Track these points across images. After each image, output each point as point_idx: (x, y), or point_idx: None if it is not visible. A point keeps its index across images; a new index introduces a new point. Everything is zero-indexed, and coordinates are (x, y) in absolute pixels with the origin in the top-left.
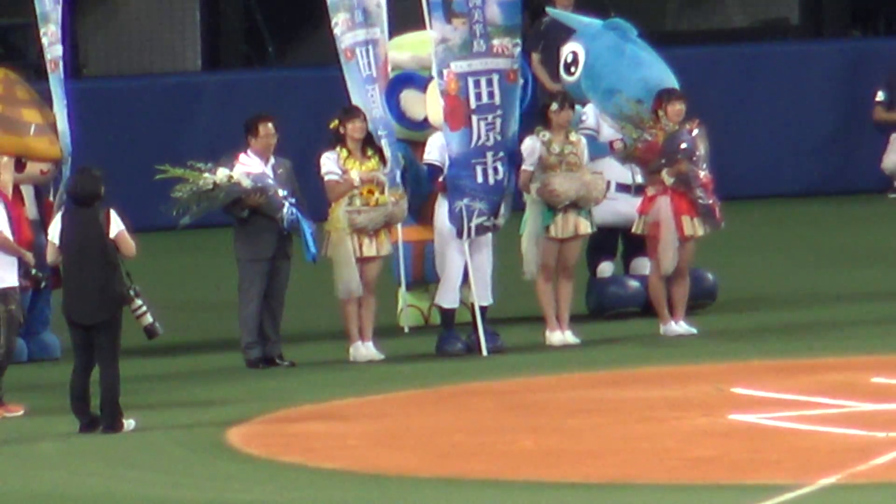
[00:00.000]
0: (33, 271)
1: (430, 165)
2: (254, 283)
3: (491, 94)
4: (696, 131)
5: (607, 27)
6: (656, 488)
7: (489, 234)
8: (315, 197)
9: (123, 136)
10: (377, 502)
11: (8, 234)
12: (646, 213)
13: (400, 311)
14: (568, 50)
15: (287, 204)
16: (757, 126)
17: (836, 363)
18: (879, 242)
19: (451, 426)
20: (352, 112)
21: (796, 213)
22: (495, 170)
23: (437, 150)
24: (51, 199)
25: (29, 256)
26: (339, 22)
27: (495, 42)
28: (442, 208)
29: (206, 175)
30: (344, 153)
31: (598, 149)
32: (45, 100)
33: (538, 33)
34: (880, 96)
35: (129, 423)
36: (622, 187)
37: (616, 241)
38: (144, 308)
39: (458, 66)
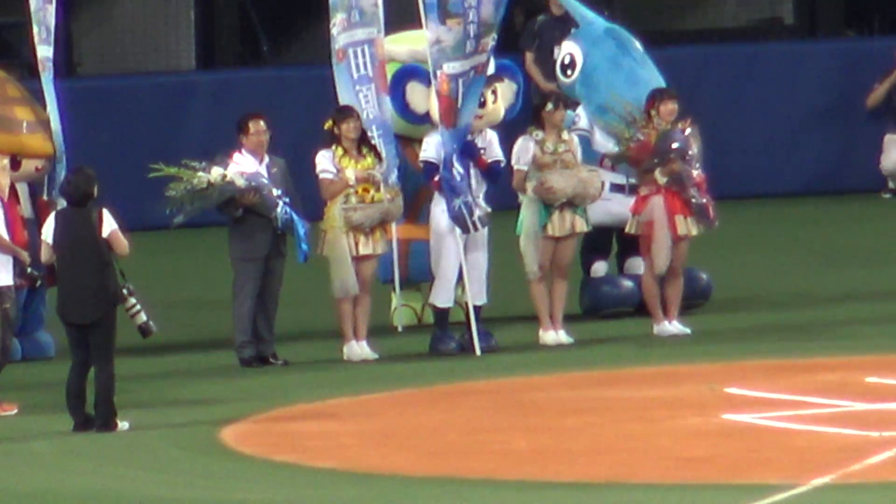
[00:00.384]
0: (28, 270)
1: (427, 163)
2: (248, 283)
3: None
4: (688, 130)
5: (608, 34)
6: (650, 488)
7: (486, 233)
8: (310, 196)
9: (118, 134)
10: (371, 501)
11: (3, 232)
12: (639, 213)
13: (393, 311)
14: (565, 50)
15: (281, 203)
16: (751, 125)
17: (830, 363)
18: (874, 242)
19: (444, 425)
20: (346, 112)
21: (791, 213)
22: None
23: (433, 147)
24: (44, 197)
25: (24, 255)
26: (337, 22)
27: (483, 41)
28: (437, 207)
29: (201, 174)
30: (339, 152)
31: (590, 155)
32: (38, 98)
33: (532, 32)
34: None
35: (123, 425)
36: (616, 187)
37: (610, 240)
38: (138, 307)
39: (451, 66)
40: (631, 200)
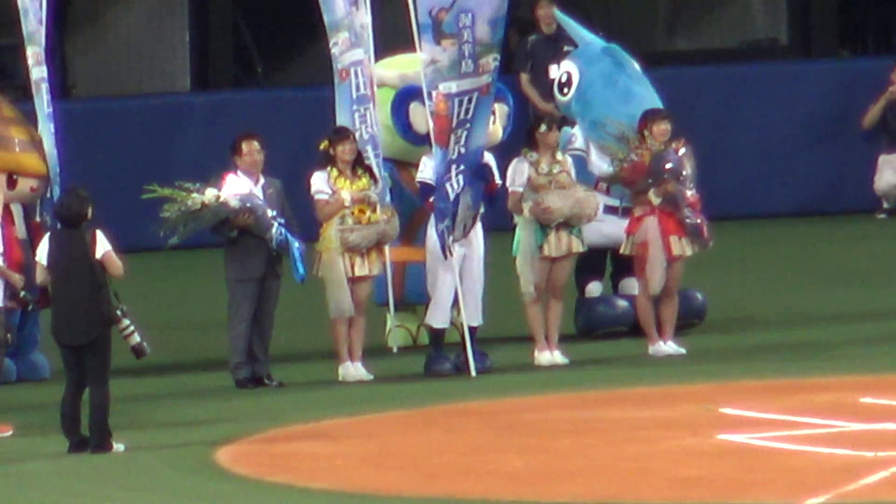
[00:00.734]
0: (22, 293)
1: (424, 184)
2: (243, 304)
3: (467, 111)
4: (682, 151)
5: (605, 53)
6: None
7: (482, 254)
8: (305, 217)
9: (113, 156)
10: None
11: None
12: (633, 234)
13: (388, 332)
14: (563, 69)
15: (276, 224)
16: (746, 146)
17: (824, 383)
18: (869, 263)
19: (439, 446)
20: (342, 133)
21: (785, 233)
22: (458, 183)
23: (430, 168)
24: (37, 219)
25: (16, 278)
26: (339, 41)
27: (482, 61)
28: (434, 228)
29: (195, 195)
30: (334, 173)
31: (586, 177)
32: (31, 120)
33: (525, 53)
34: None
35: (118, 447)
36: (609, 209)
37: (604, 261)
38: (132, 328)
39: (447, 86)
40: (624, 222)
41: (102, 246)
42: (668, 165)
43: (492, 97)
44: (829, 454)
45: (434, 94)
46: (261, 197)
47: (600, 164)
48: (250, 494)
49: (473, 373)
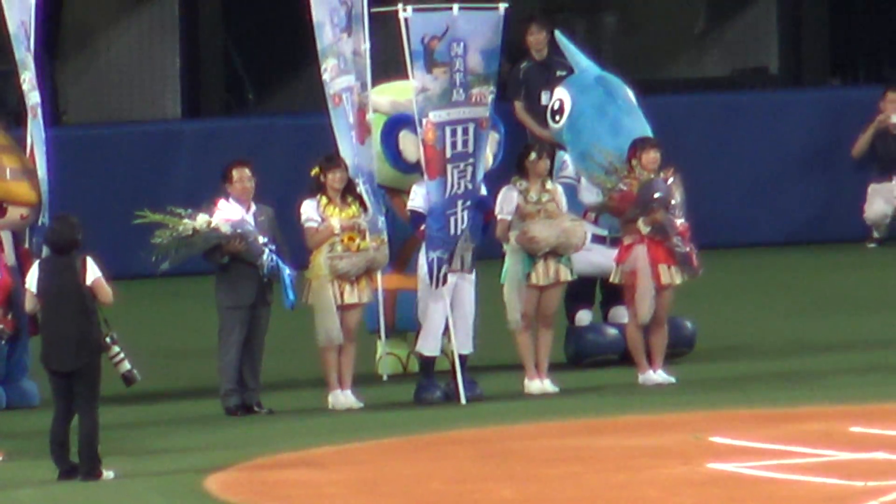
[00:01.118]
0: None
1: (414, 212)
2: (233, 330)
3: (465, 143)
4: (671, 179)
5: (598, 82)
6: None
7: (473, 283)
8: (296, 244)
9: (104, 183)
10: None
11: None
12: (622, 262)
13: (379, 359)
14: (556, 96)
15: (267, 250)
16: (736, 174)
17: (814, 412)
18: (859, 291)
19: (429, 474)
20: (333, 161)
21: (775, 262)
22: (462, 218)
23: (421, 197)
24: (26, 246)
25: None
26: (329, 68)
27: (474, 91)
28: (424, 256)
29: (186, 221)
30: (324, 200)
31: (576, 206)
32: (22, 147)
33: (518, 80)
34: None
35: (108, 475)
36: (597, 239)
37: (594, 289)
38: (122, 355)
39: (437, 115)
40: (613, 252)
41: (93, 273)
42: (657, 194)
43: (489, 132)
44: (819, 483)
45: (424, 122)
46: (252, 223)
47: (589, 194)
48: None
49: (463, 401)
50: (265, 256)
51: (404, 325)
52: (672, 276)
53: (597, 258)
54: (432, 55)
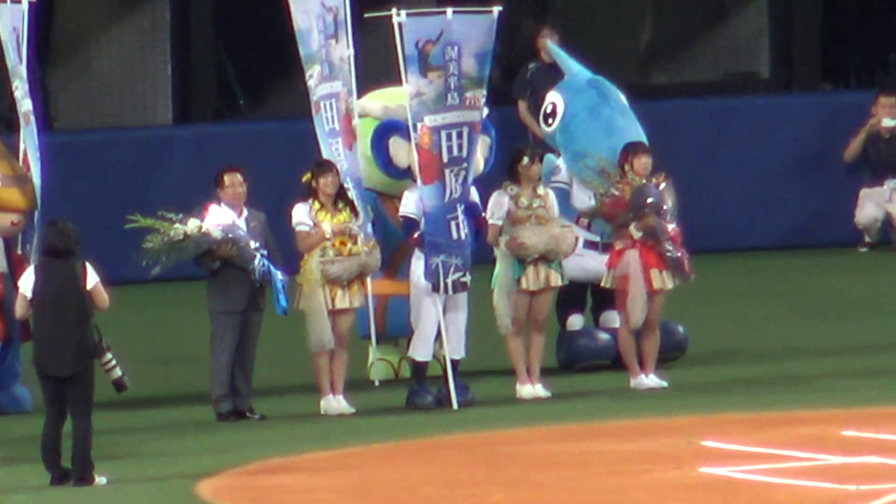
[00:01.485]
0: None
1: (407, 218)
2: (225, 336)
3: (460, 147)
4: (662, 185)
5: (591, 84)
6: None
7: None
8: (289, 249)
9: (95, 189)
10: None
11: None
12: (614, 267)
13: (370, 365)
14: (549, 100)
15: (258, 256)
16: (727, 179)
17: (806, 416)
18: (850, 296)
19: (421, 479)
20: (325, 166)
21: (767, 267)
22: (463, 222)
23: (413, 203)
24: (18, 251)
25: None
26: (314, 74)
27: (468, 94)
28: (418, 261)
29: (177, 225)
30: (316, 205)
31: (569, 212)
32: (13, 153)
33: (524, 81)
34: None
35: (100, 480)
36: (589, 244)
37: (585, 294)
38: (114, 362)
39: (432, 119)
40: (604, 257)
41: (92, 278)
42: (649, 199)
43: (479, 136)
44: (811, 487)
45: (419, 126)
46: (244, 229)
47: (583, 197)
48: None
49: (455, 406)
50: (257, 262)
51: (395, 331)
52: (664, 280)
53: (589, 263)
54: (427, 59)
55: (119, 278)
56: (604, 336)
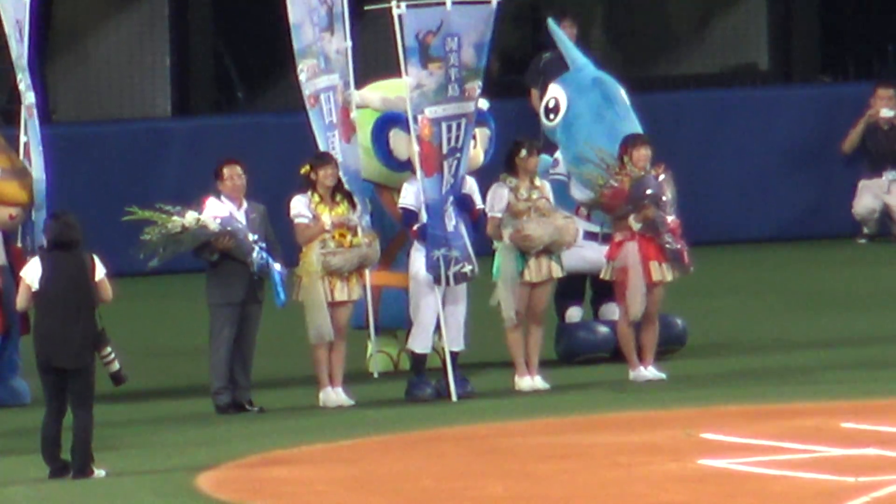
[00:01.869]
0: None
1: (406, 210)
2: (224, 328)
3: (458, 139)
4: (662, 176)
5: (595, 84)
6: None
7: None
8: (288, 242)
9: (94, 181)
10: None
11: None
12: (614, 259)
13: (369, 357)
14: (551, 94)
15: (257, 248)
16: (726, 171)
17: (806, 408)
18: (849, 287)
19: (420, 472)
20: (323, 158)
21: (765, 258)
22: (452, 214)
23: (412, 194)
24: (18, 244)
25: None
26: (306, 68)
27: (468, 85)
28: (417, 253)
29: (175, 218)
30: (315, 198)
31: (567, 203)
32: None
33: (538, 70)
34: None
35: (99, 473)
36: (589, 235)
37: (583, 286)
38: (113, 355)
39: (433, 111)
40: (604, 248)
41: (101, 269)
42: (649, 191)
43: (473, 126)
44: (810, 479)
45: (420, 118)
46: (242, 221)
47: (581, 190)
48: None
49: (454, 398)
50: (255, 254)
51: (388, 322)
52: (663, 272)
53: (590, 254)
54: (427, 51)
55: (118, 270)
56: (603, 328)
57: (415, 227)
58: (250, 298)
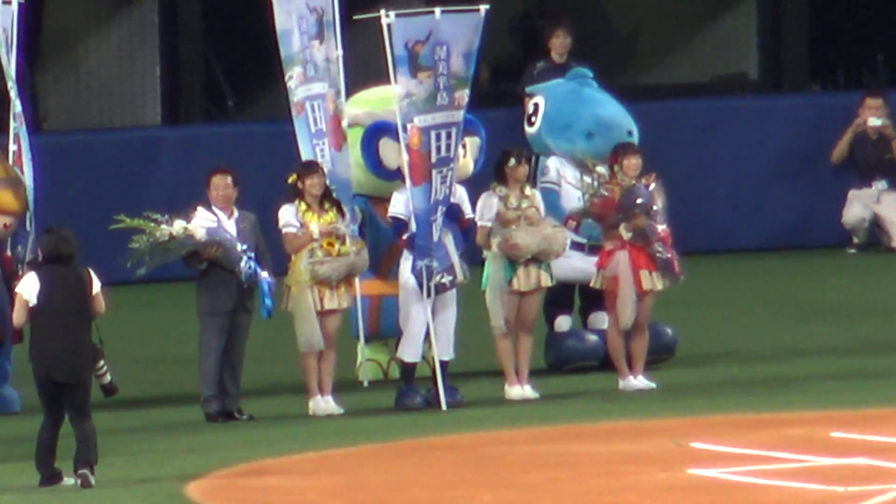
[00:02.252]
0: None
1: (395, 219)
2: (213, 337)
3: (448, 147)
4: (652, 185)
5: (569, 77)
6: None
7: (454, 289)
8: (275, 251)
9: (83, 190)
10: None
11: None
12: (604, 268)
13: (359, 366)
14: (531, 102)
15: (245, 258)
16: (716, 180)
17: (795, 418)
18: (839, 297)
19: (409, 480)
20: (310, 167)
21: (756, 268)
22: (441, 224)
23: (402, 203)
24: (8, 253)
25: None
26: (294, 76)
27: (456, 94)
28: (407, 262)
29: (163, 226)
30: (303, 206)
31: (558, 210)
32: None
33: (532, 78)
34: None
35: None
36: (576, 246)
37: (573, 294)
38: (106, 367)
39: (422, 120)
40: (591, 259)
41: (97, 283)
42: (639, 200)
43: (461, 134)
44: (800, 489)
45: (409, 127)
46: (232, 231)
47: (571, 200)
48: None
49: (444, 407)
50: (243, 263)
51: (389, 331)
52: (653, 281)
53: (579, 263)
54: (417, 60)
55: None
56: (592, 337)
57: (404, 237)
58: (239, 307)
